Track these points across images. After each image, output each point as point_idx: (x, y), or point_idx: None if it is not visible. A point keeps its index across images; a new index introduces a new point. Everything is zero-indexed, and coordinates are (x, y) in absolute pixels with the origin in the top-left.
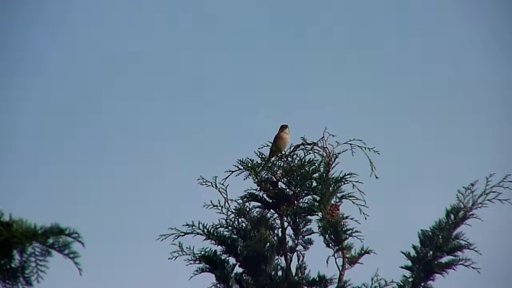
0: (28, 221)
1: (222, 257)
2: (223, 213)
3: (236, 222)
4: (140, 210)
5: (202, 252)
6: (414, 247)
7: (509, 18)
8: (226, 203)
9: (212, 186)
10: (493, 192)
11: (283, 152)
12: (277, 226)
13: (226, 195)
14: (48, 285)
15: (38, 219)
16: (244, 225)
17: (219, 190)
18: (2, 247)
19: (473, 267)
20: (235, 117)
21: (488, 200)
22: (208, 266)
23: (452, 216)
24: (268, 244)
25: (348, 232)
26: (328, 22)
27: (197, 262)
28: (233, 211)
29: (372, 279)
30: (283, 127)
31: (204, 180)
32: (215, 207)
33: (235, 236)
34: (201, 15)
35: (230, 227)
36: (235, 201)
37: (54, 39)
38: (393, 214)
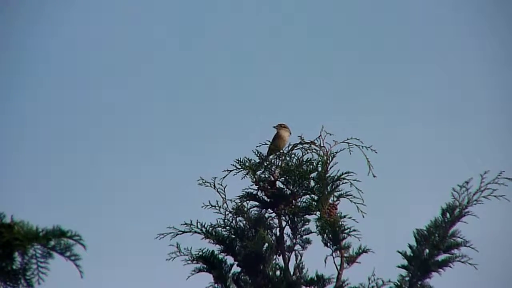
0: (29, 223)
1: (220, 257)
2: (221, 213)
3: (234, 221)
4: (139, 210)
5: (200, 253)
6: (410, 246)
7: (509, 18)
8: (224, 203)
9: (211, 186)
10: (488, 189)
11: (281, 151)
12: (275, 225)
13: (225, 195)
14: (49, 287)
15: (39, 221)
16: (241, 225)
17: (217, 191)
18: (4, 249)
19: (470, 263)
20: (234, 117)
21: (483, 197)
22: (205, 266)
23: (447, 214)
24: (266, 243)
25: (346, 231)
26: (327, 23)
27: (195, 262)
28: (231, 210)
29: (369, 279)
30: (283, 126)
31: (204, 181)
32: (213, 207)
33: (233, 236)
34: (202, 16)
35: (228, 227)
36: (233, 201)
37: (54, 38)
38: (391, 213)
